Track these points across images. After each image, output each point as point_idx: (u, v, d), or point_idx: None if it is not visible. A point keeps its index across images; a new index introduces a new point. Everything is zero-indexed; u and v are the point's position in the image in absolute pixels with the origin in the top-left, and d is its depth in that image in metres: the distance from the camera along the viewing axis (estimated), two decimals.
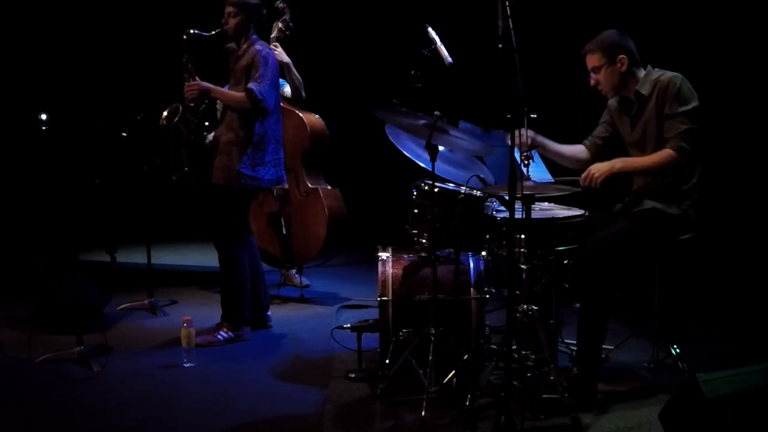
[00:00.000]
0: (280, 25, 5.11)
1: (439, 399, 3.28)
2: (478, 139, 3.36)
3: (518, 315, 3.16)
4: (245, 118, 4.16)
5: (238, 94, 4.12)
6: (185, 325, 3.91)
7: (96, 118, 5.45)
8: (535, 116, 3.42)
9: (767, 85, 5.11)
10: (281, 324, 4.61)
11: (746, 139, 5.23)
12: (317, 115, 5.24)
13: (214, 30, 4.19)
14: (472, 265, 3.66)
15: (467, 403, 3.08)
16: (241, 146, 4.16)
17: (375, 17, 6.83)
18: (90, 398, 3.49)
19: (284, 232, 5.22)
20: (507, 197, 2.91)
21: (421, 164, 3.54)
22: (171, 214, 6.65)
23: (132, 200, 5.95)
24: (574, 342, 3.51)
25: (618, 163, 3.36)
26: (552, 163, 3.84)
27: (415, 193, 3.54)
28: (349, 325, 3.83)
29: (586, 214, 3.48)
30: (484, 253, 3.48)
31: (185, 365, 3.86)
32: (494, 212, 3.49)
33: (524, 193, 3.01)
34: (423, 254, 3.57)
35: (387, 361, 3.47)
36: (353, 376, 3.67)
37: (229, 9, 4.15)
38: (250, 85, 4.06)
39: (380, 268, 3.65)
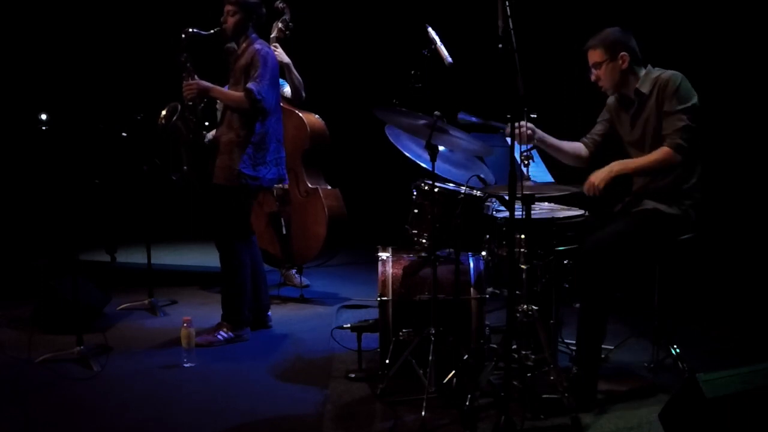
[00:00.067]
0: (279, 25, 5.12)
1: (439, 399, 3.28)
2: (477, 139, 3.36)
3: (518, 315, 3.16)
4: (245, 117, 4.16)
5: (237, 94, 4.12)
6: (185, 325, 3.91)
7: (96, 118, 5.46)
8: (535, 116, 3.43)
9: (767, 85, 5.11)
10: (281, 324, 4.61)
11: (746, 139, 5.23)
12: (317, 115, 5.24)
13: (213, 29, 4.19)
14: (472, 265, 3.66)
15: (467, 403, 3.08)
16: (242, 146, 4.15)
17: (375, 17, 6.84)
18: (90, 398, 3.49)
19: (284, 232, 5.22)
20: (507, 197, 2.91)
21: (422, 164, 3.53)
22: (171, 214, 6.66)
23: (132, 200, 5.95)
24: (574, 342, 3.51)
25: (615, 165, 3.37)
26: (552, 163, 3.84)
27: (415, 193, 3.53)
28: (349, 325, 3.83)
29: (586, 214, 3.48)
30: (484, 253, 3.47)
31: (185, 365, 3.86)
32: (494, 212, 3.49)
33: (524, 193, 3.02)
34: (423, 254, 3.57)
35: (387, 361, 3.47)
36: (353, 376, 3.67)
37: (228, 8, 4.15)
38: (249, 84, 4.06)
39: (380, 268, 3.65)
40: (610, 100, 3.63)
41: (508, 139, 3.07)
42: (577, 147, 3.69)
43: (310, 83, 5.27)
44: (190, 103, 4.21)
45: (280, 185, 5.09)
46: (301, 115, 5.13)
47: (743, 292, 4.87)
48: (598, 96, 3.67)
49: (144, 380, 3.71)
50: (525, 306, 3.18)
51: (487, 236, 3.43)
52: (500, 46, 2.86)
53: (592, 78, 3.51)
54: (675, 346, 3.60)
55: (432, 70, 3.46)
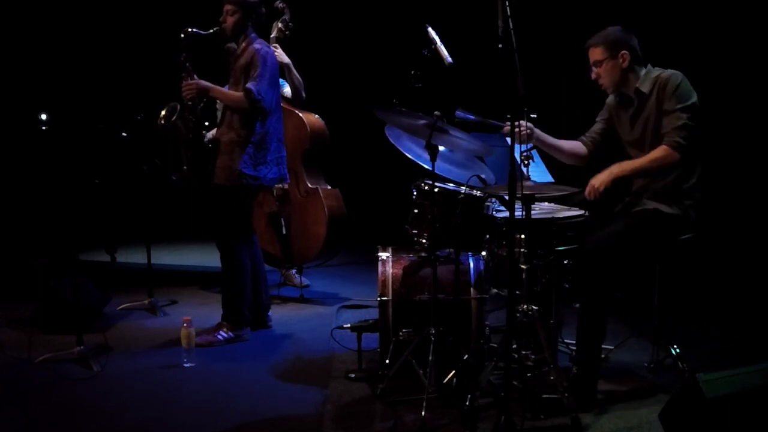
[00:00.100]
0: (279, 25, 5.12)
1: (439, 399, 3.28)
2: (477, 139, 3.36)
3: (518, 315, 3.16)
4: (245, 117, 4.16)
5: (237, 94, 4.12)
6: (185, 325, 3.91)
7: (96, 118, 5.45)
8: (535, 116, 3.43)
9: (767, 85, 5.11)
10: (281, 324, 4.61)
11: (746, 139, 5.23)
12: (317, 115, 5.24)
13: (212, 28, 4.19)
14: (472, 265, 3.66)
15: (467, 403, 3.08)
16: (242, 146, 4.15)
17: (375, 17, 6.84)
18: (90, 398, 3.49)
19: (284, 232, 5.22)
20: (507, 197, 2.91)
21: (422, 164, 3.53)
22: (171, 214, 6.66)
23: (132, 200, 5.95)
24: (574, 342, 3.51)
25: (615, 168, 3.37)
26: (552, 163, 3.84)
27: (415, 193, 3.53)
28: (349, 325, 3.83)
29: (586, 214, 3.48)
30: (484, 253, 3.47)
31: (185, 365, 3.86)
32: (494, 212, 3.49)
33: (524, 193, 3.02)
34: (423, 254, 3.57)
35: (387, 361, 3.47)
36: (353, 376, 3.67)
37: (228, 7, 4.15)
38: (249, 84, 4.06)
39: (380, 268, 3.65)
40: (610, 99, 3.63)
41: (508, 139, 3.08)
42: (576, 146, 3.69)
43: (310, 83, 5.27)
44: (190, 103, 4.20)
45: (281, 185, 5.09)
46: (301, 115, 5.13)
47: (743, 292, 4.87)
48: (598, 95, 3.67)
49: (144, 380, 3.70)
50: (525, 306, 3.18)
51: (487, 236, 3.43)
52: (500, 46, 2.86)
53: (593, 76, 3.51)
54: (675, 346, 3.60)
55: (432, 70, 3.46)
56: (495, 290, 4.15)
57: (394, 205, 4.43)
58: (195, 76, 4.18)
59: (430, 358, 3.27)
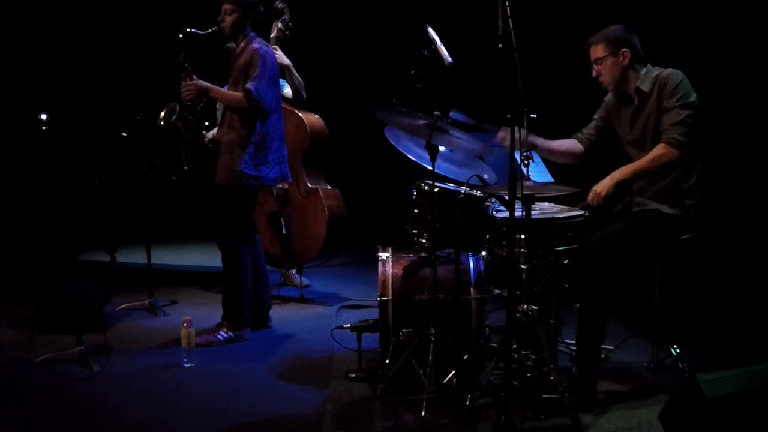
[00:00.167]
0: (279, 24, 5.12)
1: (439, 399, 3.28)
2: (477, 139, 3.36)
3: (518, 315, 3.16)
4: (245, 117, 4.15)
5: (236, 94, 4.12)
6: (185, 325, 3.91)
7: (96, 118, 5.45)
8: (535, 116, 3.42)
9: (767, 85, 5.12)
10: (281, 324, 4.61)
11: (746, 139, 5.23)
12: (317, 115, 5.24)
13: (210, 28, 4.18)
14: (472, 265, 3.66)
15: (467, 403, 3.08)
16: (243, 146, 4.15)
17: (375, 17, 6.84)
18: (90, 398, 3.48)
19: (284, 232, 5.22)
20: (507, 197, 2.91)
21: (423, 164, 3.53)
22: (171, 214, 6.66)
23: (132, 200, 5.95)
24: (574, 342, 3.51)
25: (617, 174, 3.37)
26: (552, 162, 3.84)
27: (415, 193, 3.53)
28: (349, 325, 3.83)
29: (586, 214, 3.48)
30: (484, 253, 3.47)
31: (185, 365, 3.86)
32: (494, 212, 3.49)
33: (524, 193, 3.02)
34: (423, 254, 3.57)
35: (387, 361, 3.47)
36: (353, 376, 3.67)
37: (226, 6, 4.15)
38: (248, 85, 4.06)
39: (380, 268, 3.65)
40: (609, 97, 3.62)
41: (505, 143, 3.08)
42: (570, 144, 3.69)
43: (310, 83, 5.27)
44: (189, 104, 4.20)
45: (281, 185, 5.09)
46: (301, 115, 5.14)
47: (743, 292, 4.87)
48: (598, 95, 3.67)
49: (144, 380, 3.70)
50: (525, 306, 3.18)
51: (487, 236, 3.43)
52: (500, 46, 2.86)
53: (594, 74, 3.52)
54: (675, 346, 3.60)
55: (432, 70, 3.46)
56: (497, 291, 4.15)
57: (394, 205, 4.43)
58: (194, 77, 4.18)
59: (430, 358, 3.27)
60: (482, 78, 4.86)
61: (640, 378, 3.63)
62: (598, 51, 3.47)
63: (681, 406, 2.74)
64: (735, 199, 5.20)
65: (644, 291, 3.87)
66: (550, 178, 3.91)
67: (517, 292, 3.19)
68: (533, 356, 3.14)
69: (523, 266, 3.19)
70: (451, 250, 3.48)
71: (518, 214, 3.07)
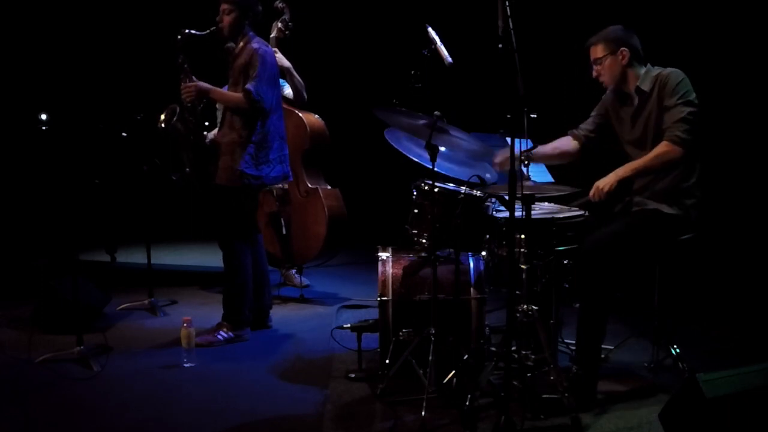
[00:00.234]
0: (279, 24, 5.12)
1: (439, 399, 3.27)
2: (477, 139, 3.36)
3: (518, 315, 3.16)
4: (246, 117, 4.15)
5: (236, 95, 4.11)
6: (185, 325, 3.91)
7: (96, 118, 5.46)
8: (535, 116, 3.42)
9: (767, 85, 5.12)
10: (281, 324, 4.61)
11: (746, 139, 5.23)
12: (317, 115, 5.24)
13: (209, 28, 4.18)
14: (472, 265, 3.66)
15: (467, 403, 3.08)
16: (244, 146, 4.15)
17: (375, 17, 6.83)
18: (90, 398, 3.48)
19: (284, 232, 5.22)
20: (507, 197, 2.91)
21: (423, 164, 3.53)
22: (171, 214, 6.66)
23: (132, 200, 5.96)
24: (574, 342, 3.51)
25: (620, 170, 3.36)
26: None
27: (415, 193, 3.53)
28: (349, 325, 3.83)
29: (586, 214, 3.48)
30: (484, 253, 3.47)
31: (185, 365, 3.86)
32: (494, 212, 3.49)
33: (524, 193, 3.02)
34: (423, 254, 3.57)
35: (387, 361, 3.47)
36: (353, 376, 3.67)
37: (224, 6, 4.14)
38: (248, 85, 4.05)
39: (380, 268, 3.65)
40: (607, 95, 3.62)
41: (508, 139, 3.08)
42: (564, 143, 3.69)
43: (310, 83, 5.26)
44: (189, 105, 4.20)
45: (281, 185, 5.09)
46: (300, 115, 5.13)
47: (743, 292, 4.87)
48: (598, 95, 3.67)
49: (144, 380, 3.70)
50: (525, 306, 3.18)
51: (487, 236, 3.43)
52: (500, 46, 2.86)
53: (594, 74, 3.52)
54: (675, 346, 3.60)
55: (432, 70, 3.46)
56: (503, 290, 4.15)
57: (394, 205, 4.43)
58: (193, 78, 4.18)
59: (430, 358, 3.27)
60: (482, 78, 4.86)
61: (640, 378, 3.63)
62: (597, 51, 3.47)
63: (681, 406, 2.74)
64: (735, 199, 5.20)
65: (644, 291, 3.87)
66: (550, 178, 3.91)
67: (517, 292, 3.19)
68: (533, 356, 3.14)
69: (523, 266, 3.19)
70: (451, 250, 3.48)
71: (518, 214, 3.07)
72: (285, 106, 4.89)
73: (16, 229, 6.26)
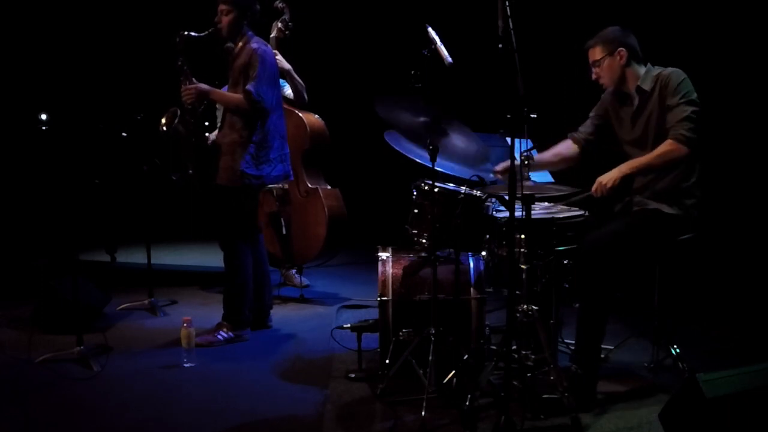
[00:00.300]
0: (279, 24, 5.12)
1: (439, 399, 3.27)
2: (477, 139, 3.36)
3: (518, 315, 3.16)
4: (246, 118, 4.15)
5: (237, 96, 4.11)
6: (185, 325, 3.91)
7: (96, 118, 5.46)
8: (535, 116, 3.42)
9: (766, 85, 5.11)
10: (281, 324, 4.61)
11: (746, 139, 5.23)
12: (317, 115, 5.24)
13: (207, 30, 4.18)
14: (472, 265, 3.66)
15: (467, 403, 3.08)
16: (244, 146, 4.15)
17: (375, 17, 6.83)
18: (90, 398, 3.48)
19: (284, 232, 5.22)
20: (507, 197, 2.91)
21: (424, 163, 3.52)
22: (171, 214, 6.66)
23: (132, 200, 5.95)
24: (574, 342, 3.51)
25: (624, 167, 3.36)
26: None
27: (415, 193, 3.53)
28: (349, 325, 3.83)
29: (586, 214, 3.48)
30: (484, 253, 3.47)
31: (185, 365, 3.86)
32: (494, 212, 3.49)
33: (524, 193, 3.02)
34: (423, 254, 3.57)
35: (387, 361, 3.47)
36: (353, 376, 3.67)
37: (222, 7, 4.14)
38: (248, 86, 4.05)
39: (380, 268, 3.65)
40: (606, 95, 3.62)
41: (508, 139, 3.08)
42: (565, 148, 3.69)
43: (310, 83, 5.26)
44: (190, 107, 4.20)
45: (281, 185, 5.09)
46: (301, 115, 5.13)
47: (743, 292, 4.87)
48: (598, 95, 3.67)
49: (144, 380, 3.70)
50: (525, 306, 3.18)
51: (487, 236, 3.43)
52: (500, 46, 2.86)
53: (593, 77, 3.52)
54: (675, 346, 3.60)
55: (432, 70, 3.46)
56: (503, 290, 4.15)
57: (394, 205, 4.43)
58: (194, 80, 4.18)
59: (430, 358, 3.27)
60: (482, 78, 4.86)
61: (640, 378, 3.63)
62: (595, 53, 3.48)
63: (681, 406, 2.74)
64: (735, 199, 5.20)
65: (644, 291, 3.87)
66: (550, 178, 3.91)
67: (517, 292, 3.19)
68: (533, 356, 3.14)
69: (523, 266, 3.19)
70: (451, 250, 3.48)
71: (518, 214, 3.07)
72: (285, 106, 4.89)
73: (16, 229, 6.26)
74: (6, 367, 3.84)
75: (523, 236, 3.17)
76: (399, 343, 3.49)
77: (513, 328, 3.05)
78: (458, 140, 3.32)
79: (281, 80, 4.69)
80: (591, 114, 3.69)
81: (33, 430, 3.20)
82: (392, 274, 3.63)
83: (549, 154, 3.69)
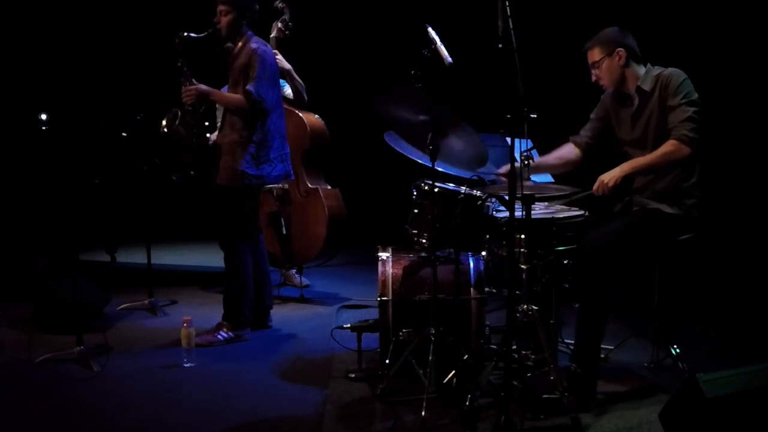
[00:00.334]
0: (279, 24, 5.12)
1: (439, 399, 3.27)
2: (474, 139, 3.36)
3: (518, 315, 3.16)
4: (246, 118, 4.15)
5: (237, 97, 4.11)
6: (185, 325, 3.91)
7: (96, 118, 5.46)
8: (535, 116, 3.42)
9: (766, 85, 5.11)
10: (281, 324, 4.61)
11: (746, 139, 5.23)
12: (317, 115, 5.24)
13: (207, 30, 4.18)
14: (472, 265, 3.66)
15: (467, 403, 3.08)
16: (245, 146, 4.15)
17: (375, 17, 6.83)
18: (90, 398, 3.48)
19: (284, 232, 5.22)
20: (507, 197, 2.91)
21: (424, 163, 3.52)
22: (171, 214, 6.66)
23: (132, 200, 5.95)
24: (574, 342, 3.50)
25: (626, 166, 3.36)
26: None
27: (415, 193, 3.53)
28: (349, 325, 3.83)
29: (586, 214, 3.48)
30: (484, 253, 3.47)
31: (185, 365, 3.86)
32: (494, 212, 3.49)
33: (524, 193, 3.02)
34: (423, 254, 3.57)
35: (387, 361, 3.47)
36: (353, 376, 3.67)
37: (221, 7, 4.14)
38: (248, 87, 4.05)
39: (380, 268, 3.65)
40: (606, 95, 3.62)
41: (508, 139, 3.08)
42: (566, 152, 3.69)
43: (310, 83, 5.26)
44: (190, 108, 4.20)
45: (281, 185, 5.09)
46: (301, 114, 5.13)
47: (743, 292, 4.87)
48: (598, 95, 3.67)
49: (144, 380, 3.70)
50: (525, 306, 3.18)
51: (487, 236, 3.43)
52: (500, 46, 2.86)
53: (593, 78, 3.52)
54: (675, 346, 3.60)
55: (432, 70, 3.46)
56: (503, 290, 4.15)
57: (394, 205, 4.43)
58: (194, 81, 4.17)
59: (430, 358, 3.27)
60: (482, 78, 4.86)
61: (640, 378, 3.63)
62: (594, 55, 3.47)
63: (681, 406, 2.74)
64: (735, 199, 5.20)
65: (644, 291, 3.87)
66: (550, 178, 3.91)
67: (517, 292, 3.19)
68: (533, 356, 3.14)
69: (523, 266, 3.19)
70: (451, 250, 3.48)
71: (518, 214, 3.07)
72: (285, 106, 4.89)
73: (16, 229, 6.26)
74: (6, 367, 3.85)
75: (523, 236, 3.17)
76: (399, 343, 3.49)
77: (513, 328, 3.05)
78: (456, 142, 3.31)
79: (281, 80, 4.69)
80: (591, 116, 3.69)
81: (33, 430, 3.20)
82: (392, 274, 3.63)
83: (551, 158, 3.69)
